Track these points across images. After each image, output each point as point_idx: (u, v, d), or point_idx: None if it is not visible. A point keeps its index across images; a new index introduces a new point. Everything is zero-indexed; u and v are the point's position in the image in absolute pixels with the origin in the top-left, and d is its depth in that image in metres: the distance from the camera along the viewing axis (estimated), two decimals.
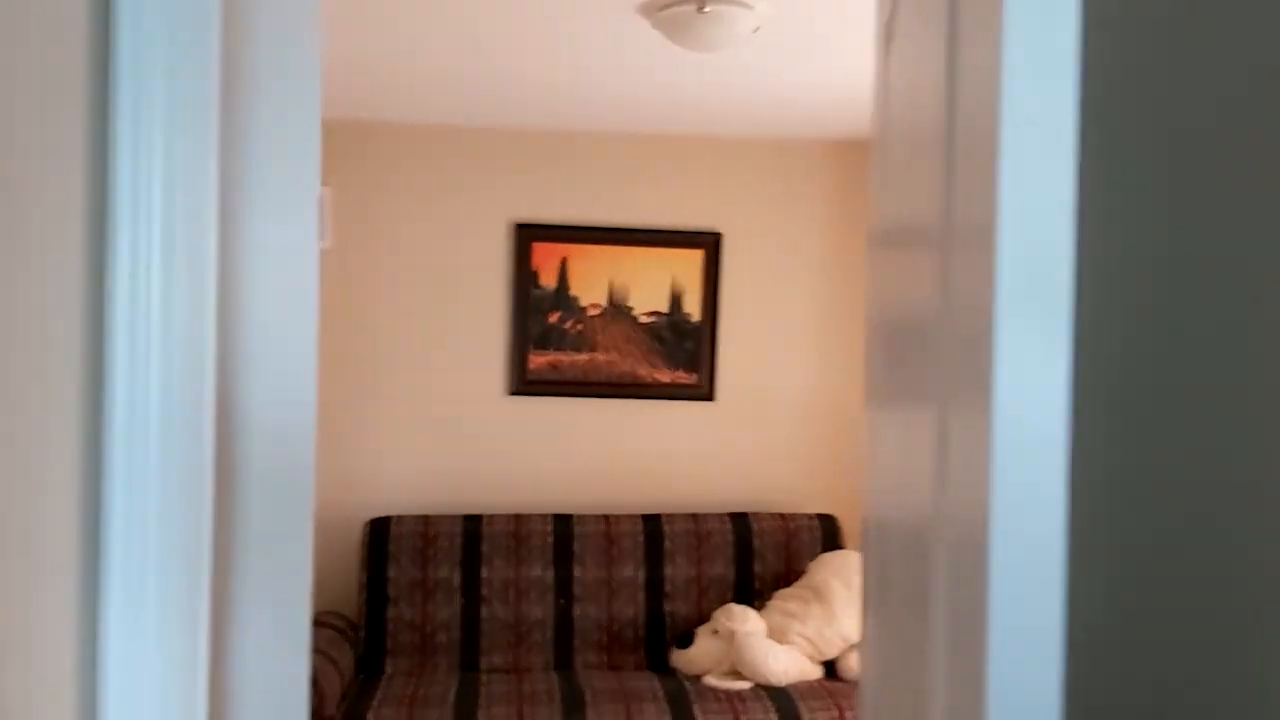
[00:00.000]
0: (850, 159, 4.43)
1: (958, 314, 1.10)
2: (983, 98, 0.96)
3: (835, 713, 3.48)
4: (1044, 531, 0.92)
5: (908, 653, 1.37)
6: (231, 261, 1.30)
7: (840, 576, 3.78)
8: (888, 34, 1.50)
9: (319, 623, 3.89)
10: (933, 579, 1.18)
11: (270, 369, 1.33)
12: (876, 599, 1.49)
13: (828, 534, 4.15)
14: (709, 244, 4.37)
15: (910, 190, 1.39)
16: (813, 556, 4.08)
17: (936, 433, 1.24)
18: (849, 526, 4.36)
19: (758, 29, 2.92)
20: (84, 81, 1.00)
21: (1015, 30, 0.90)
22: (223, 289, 1.28)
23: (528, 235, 4.29)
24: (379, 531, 4.00)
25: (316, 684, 3.42)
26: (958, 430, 1.11)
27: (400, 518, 4.05)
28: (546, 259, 4.31)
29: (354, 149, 4.23)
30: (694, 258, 4.37)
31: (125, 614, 1.12)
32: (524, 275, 4.30)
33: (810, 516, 4.20)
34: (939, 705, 1.13)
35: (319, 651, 3.59)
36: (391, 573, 3.96)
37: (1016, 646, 0.90)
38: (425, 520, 4.05)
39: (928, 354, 1.28)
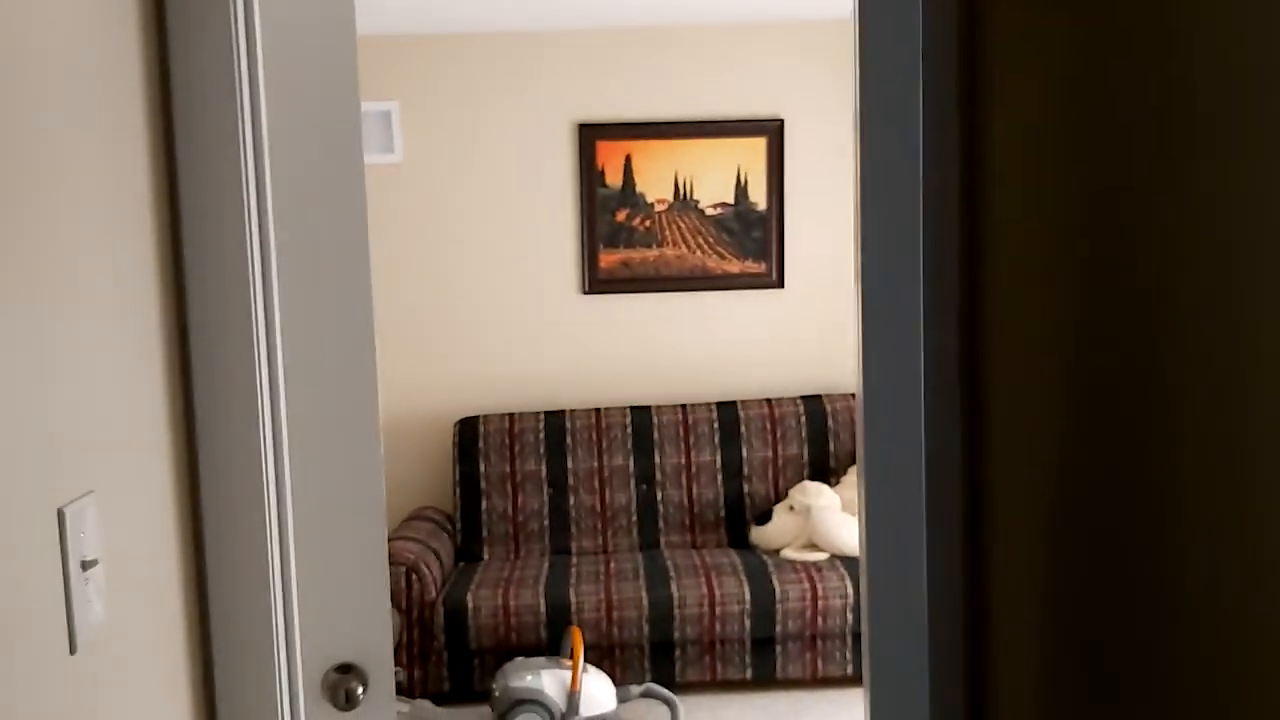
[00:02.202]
0: None
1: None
2: None
3: None
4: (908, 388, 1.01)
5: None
6: (276, 177, 1.42)
7: None
8: None
9: (419, 517, 4.15)
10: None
11: (325, 280, 1.46)
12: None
13: None
14: (772, 131, 4.39)
15: None
16: None
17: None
18: None
19: None
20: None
21: None
22: (277, 204, 1.40)
23: (591, 134, 4.37)
24: (468, 430, 4.21)
25: (418, 571, 3.67)
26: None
27: (487, 416, 4.25)
28: (611, 157, 4.39)
29: (419, 63, 4.34)
30: (757, 146, 4.40)
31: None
32: (590, 175, 4.39)
33: None
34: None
35: (420, 542, 3.84)
36: (482, 468, 4.18)
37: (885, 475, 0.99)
38: (510, 418, 4.24)
39: None
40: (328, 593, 1.50)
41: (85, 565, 0.97)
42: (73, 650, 0.95)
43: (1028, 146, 1.05)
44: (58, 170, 0.97)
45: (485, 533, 4.15)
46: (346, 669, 1.52)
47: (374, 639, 1.55)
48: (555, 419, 4.24)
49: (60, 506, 0.94)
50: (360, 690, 1.53)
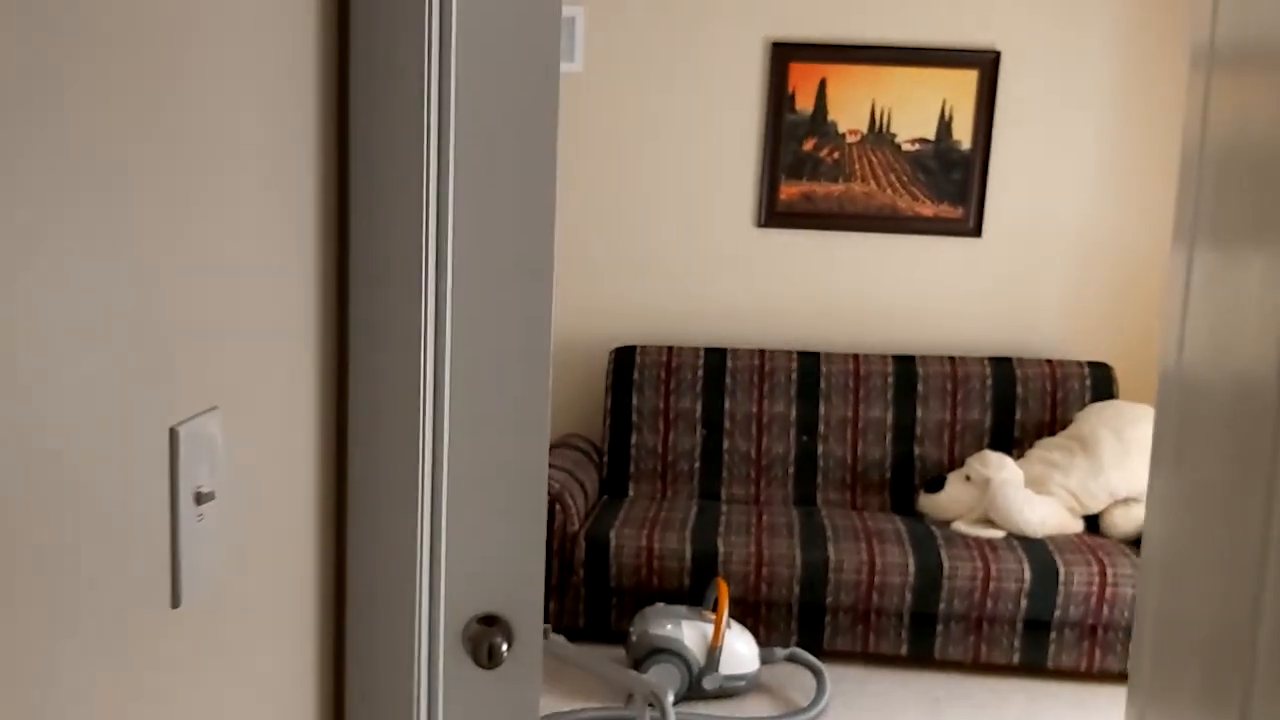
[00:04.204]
0: None
1: None
2: None
3: (1096, 568, 3.24)
4: None
5: (1227, 515, 1.19)
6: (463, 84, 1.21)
7: (1111, 427, 3.46)
8: None
9: (566, 445, 3.99)
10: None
11: (503, 180, 1.24)
12: (1176, 456, 1.30)
13: (1099, 383, 3.81)
14: (985, 64, 3.97)
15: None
16: (1082, 406, 3.77)
17: None
18: (1125, 376, 3.99)
19: None
20: None
21: None
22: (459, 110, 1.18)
23: (784, 55, 4.04)
24: (624, 360, 4.02)
25: (563, 501, 3.52)
26: None
27: (645, 347, 4.04)
28: (803, 80, 4.06)
29: None
30: (967, 79, 3.99)
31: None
32: (779, 98, 4.07)
33: (1081, 364, 3.86)
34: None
35: (566, 471, 3.69)
36: (635, 400, 3.98)
37: None
38: (669, 351, 4.02)
39: None
40: (478, 533, 1.30)
41: (200, 498, 0.78)
42: (176, 603, 0.76)
43: None
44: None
45: (633, 468, 3.97)
46: (491, 621, 1.34)
47: (524, 589, 1.34)
48: (716, 356, 4.00)
49: (174, 425, 0.75)
50: (505, 647, 1.33)
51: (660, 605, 3.31)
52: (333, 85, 1.04)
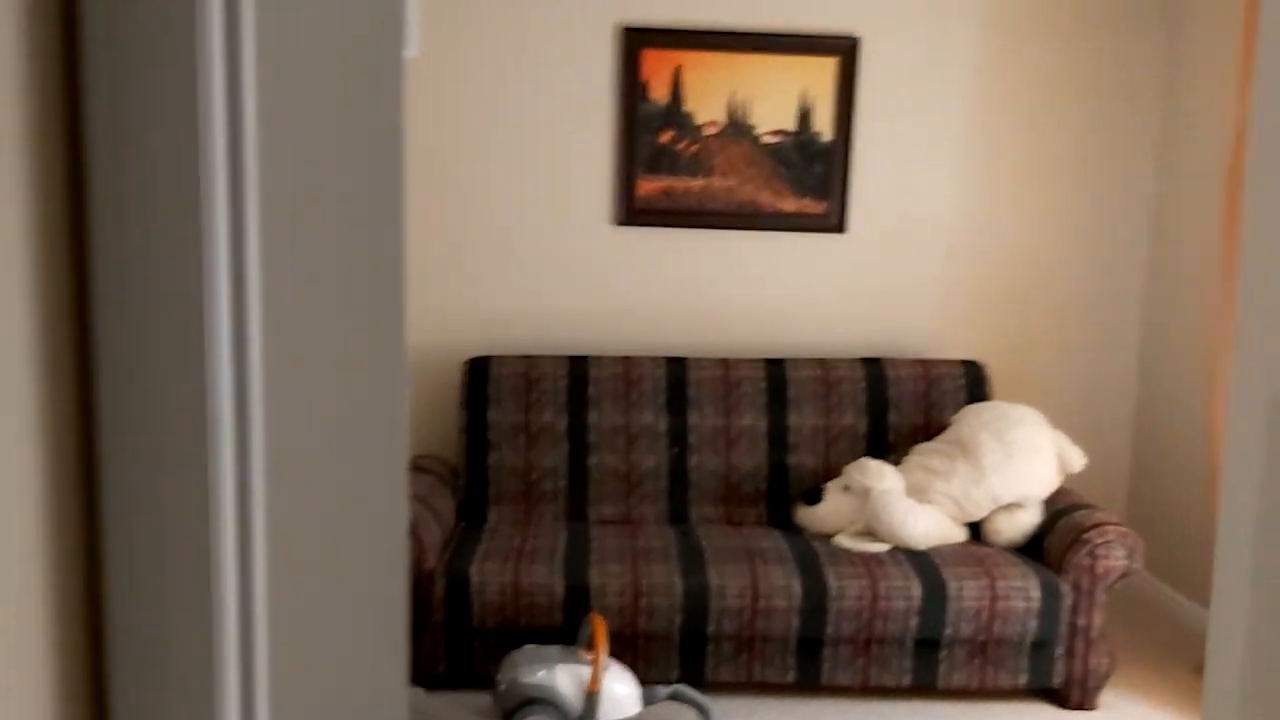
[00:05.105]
0: None
1: None
2: None
3: (986, 581, 3.12)
4: None
5: None
6: (296, 69, 0.89)
7: (992, 430, 3.36)
8: None
9: (418, 467, 3.65)
10: None
11: (349, 187, 0.93)
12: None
13: (973, 382, 3.71)
14: (844, 51, 3.81)
15: None
16: (956, 407, 3.66)
17: None
18: (998, 375, 3.92)
19: None
20: None
21: None
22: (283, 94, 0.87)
23: (637, 41, 3.78)
24: (478, 372, 3.70)
25: (415, 534, 3.18)
26: None
27: (501, 358, 3.73)
28: (658, 69, 3.81)
29: None
30: (826, 67, 3.82)
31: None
32: (632, 88, 3.81)
33: (953, 363, 3.75)
34: None
35: (418, 499, 3.35)
36: (493, 416, 3.67)
37: None
38: (527, 360, 3.72)
39: None
40: (311, 662, 0.99)
41: None
42: None
43: None
44: None
45: (492, 489, 3.66)
46: None
47: None
48: (578, 365, 3.72)
49: None
50: None
51: (530, 647, 3.02)
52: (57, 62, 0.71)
